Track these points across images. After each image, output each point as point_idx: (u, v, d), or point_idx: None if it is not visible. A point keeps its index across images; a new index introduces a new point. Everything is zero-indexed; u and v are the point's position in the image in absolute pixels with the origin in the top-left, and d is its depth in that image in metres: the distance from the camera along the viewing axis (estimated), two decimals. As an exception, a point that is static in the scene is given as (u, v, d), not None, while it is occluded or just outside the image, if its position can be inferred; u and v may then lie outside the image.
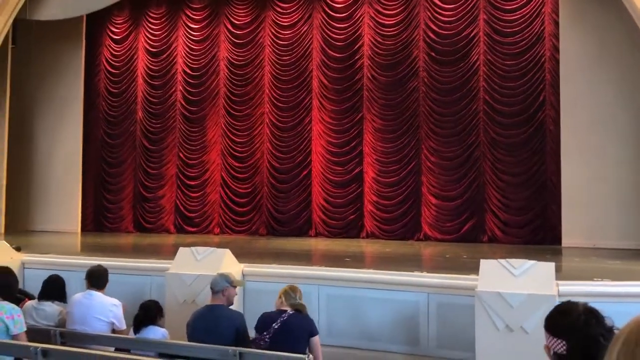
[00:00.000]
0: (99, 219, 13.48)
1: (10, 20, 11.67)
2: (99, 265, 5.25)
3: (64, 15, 11.97)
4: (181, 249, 6.63)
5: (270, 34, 12.32)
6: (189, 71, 12.95)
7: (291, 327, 4.48)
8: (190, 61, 12.95)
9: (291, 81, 12.10)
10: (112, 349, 4.52)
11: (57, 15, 11.90)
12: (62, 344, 4.41)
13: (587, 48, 9.82)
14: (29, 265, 7.61)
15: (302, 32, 12.09)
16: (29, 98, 13.53)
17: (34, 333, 4.28)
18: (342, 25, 11.78)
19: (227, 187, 12.50)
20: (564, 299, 5.04)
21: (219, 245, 9.30)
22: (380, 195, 11.34)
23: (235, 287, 4.94)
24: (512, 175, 10.53)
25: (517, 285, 5.11)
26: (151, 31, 13.32)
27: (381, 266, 7.38)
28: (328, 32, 11.87)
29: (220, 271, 6.08)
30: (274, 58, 12.25)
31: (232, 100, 12.57)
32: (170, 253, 7.36)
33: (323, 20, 11.93)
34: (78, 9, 11.96)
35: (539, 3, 10.47)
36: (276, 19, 12.30)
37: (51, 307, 5.01)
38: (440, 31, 11.04)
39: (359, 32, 11.65)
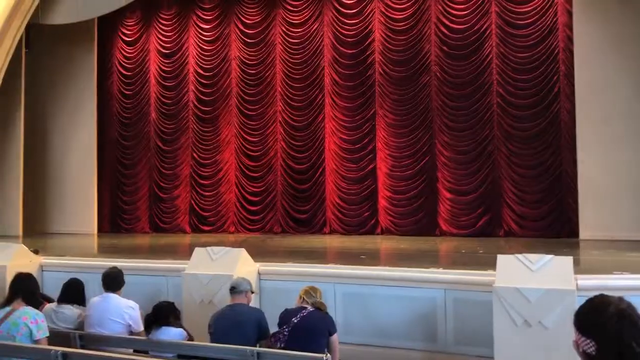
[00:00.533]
0: (115, 220, 13.60)
1: (24, 25, 11.80)
2: (114, 267, 5.29)
3: (76, 19, 12.07)
4: (197, 249, 6.66)
5: (281, 32, 12.31)
6: (201, 71, 13.00)
7: (310, 323, 4.54)
8: (202, 61, 13.00)
9: (303, 79, 12.09)
10: (131, 350, 4.56)
11: (69, 19, 12.01)
12: (82, 347, 4.45)
13: (601, 38, 9.68)
14: (47, 268, 7.69)
15: (313, 29, 12.07)
16: (43, 102, 13.67)
17: (53, 336, 4.32)
18: (353, 22, 11.73)
19: (241, 186, 12.54)
20: (583, 294, 4.99)
21: (234, 244, 9.36)
22: (394, 191, 11.31)
23: (253, 293, 5.05)
24: (527, 168, 10.44)
25: (535, 281, 5.06)
26: (162, 32, 13.38)
27: (397, 263, 7.36)
28: (339, 28, 11.84)
29: (236, 270, 6.14)
30: (285, 56, 12.25)
31: (245, 100, 12.60)
32: (186, 253, 7.40)
33: (333, 17, 11.90)
34: (89, 12, 12.05)
35: (551, -6, 10.35)
36: (286, 17, 12.29)
37: (70, 310, 5.06)
38: (452, 25, 10.96)
39: (370, 27, 11.60)
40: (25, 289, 4.30)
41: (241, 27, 12.70)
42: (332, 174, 11.81)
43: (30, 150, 13.06)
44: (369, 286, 6.24)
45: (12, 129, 12.75)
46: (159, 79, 13.39)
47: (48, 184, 13.67)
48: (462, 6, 10.90)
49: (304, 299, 4.80)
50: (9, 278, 4.60)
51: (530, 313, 4.91)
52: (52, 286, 6.78)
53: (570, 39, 10.10)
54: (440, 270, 6.26)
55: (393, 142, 11.34)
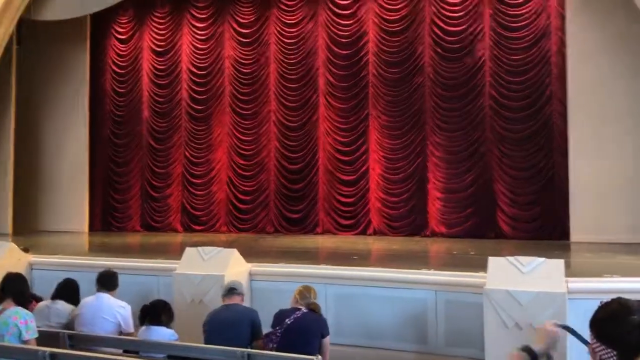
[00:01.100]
0: (106, 218, 13.53)
1: (15, 21, 11.70)
2: (109, 269, 5.34)
3: (69, 16, 11.99)
4: (188, 249, 6.64)
5: (275, 32, 12.29)
6: (194, 70, 12.95)
7: (303, 324, 4.54)
8: (196, 60, 12.95)
9: (297, 79, 12.07)
10: (121, 351, 4.54)
11: (62, 15, 11.92)
12: (71, 347, 4.42)
13: (594, 41, 9.73)
14: (37, 266, 7.65)
15: (307, 29, 12.06)
16: (35, 98, 13.58)
17: (42, 336, 4.30)
18: (347, 22, 11.73)
19: (233, 186, 12.51)
20: (574, 297, 5.00)
21: (226, 243, 9.34)
22: (387, 192, 11.32)
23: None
24: (519, 170, 10.47)
25: (526, 283, 5.07)
26: (156, 30, 13.32)
27: (388, 264, 7.37)
28: (333, 29, 11.83)
29: (228, 271, 6.13)
30: (279, 56, 12.23)
31: (238, 99, 12.57)
32: (177, 252, 7.37)
33: (328, 18, 11.89)
34: (82, 9, 11.98)
35: (545, -3, 10.39)
36: (281, 16, 12.27)
37: (63, 305, 5.13)
38: (446, 27, 10.98)
39: (364, 28, 11.60)
40: (15, 289, 4.32)
41: (235, 26, 12.67)
42: (325, 175, 11.80)
43: (22, 147, 12.97)
44: (360, 287, 6.24)
45: (3, 125, 12.66)
46: (152, 77, 13.33)
47: (39, 181, 13.58)
48: (456, 7, 10.93)
49: (297, 299, 4.81)
50: (-2, 276, 4.58)
51: (521, 315, 4.93)
52: (41, 285, 6.75)
53: (563, 42, 10.14)
54: (432, 271, 6.27)
55: (386, 143, 11.35)
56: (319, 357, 3.92)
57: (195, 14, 13.00)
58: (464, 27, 10.84)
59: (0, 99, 12.54)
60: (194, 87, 12.94)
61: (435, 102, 11.01)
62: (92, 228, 13.32)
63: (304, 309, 4.68)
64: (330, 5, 11.87)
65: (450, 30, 10.95)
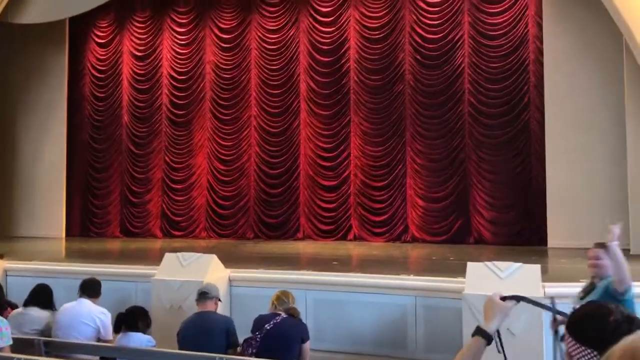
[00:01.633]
0: (85, 224, 13.36)
1: (-8, 24, 11.54)
2: (93, 277, 5.29)
3: (46, 19, 11.86)
4: (167, 254, 6.59)
5: (257, 37, 12.29)
6: (175, 75, 12.88)
7: (283, 329, 4.52)
8: (176, 65, 12.89)
9: (279, 85, 12.07)
10: (97, 358, 4.48)
11: (39, 18, 11.78)
12: (46, 353, 4.35)
13: (570, 50, 9.91)
14: (12, 272, 7.52)
15: (289, 36, 12.08)
16: (11, 102, 13.38)
17: (17, 343, 4.22)
18: (329, 29, 11.78)
19: (213, 191, 12.45)
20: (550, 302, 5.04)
21: (206, 249, 9.28)
22: (368, 198, 11.36)
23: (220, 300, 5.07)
24: (497, 176, 10.60)
25: (504, 288, 5.11)
26: (136, 35, 13.23)
27: (369, 269, 7.38)
28: (315, 36, 11.87)
29: (207, 277, 6.09)
30: (260, 62, 12.23)
31: (219, 104, 12.52)
32: (156, 258, 7.31)
33: (309, 24, 11.93)
34: (60, 12, 11.84)
35: (522, 6, 10.56)
36: (262, 22, 12.27)
37: (37, 312, 5.02)
38: (426, 34, 11.09)
39: (345, 35, 11.66)
40: None
41: (216, 31, 12.64)
42: (306, 180, 11.81)
43: (-3, 151, 12.77)
44: (340, 293, 6.25)
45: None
46: (132, 82, 13.23)
47: (16, 186, 13.37)
48: (436, 15, 11.05)
49: (275, 305, 4.78)
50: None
51: (499, 320, 4.97)
52: (16, 291, 6.62)
53: (540, 50, 10.31)
54: (411, 277, 6.31)
55: (368, 150, 11.41)
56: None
57: (176, 18, 12.94)
58: (443, 34, 10.96)
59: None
60: (174, 92, 12.87)
61: (415, 109, 11.10)
62: (70, 234, 13.13)
63: (283, 314, 4.66)
64: (312, 12, 11.91)
65: (429, 37, 11.06)
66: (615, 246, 3.78)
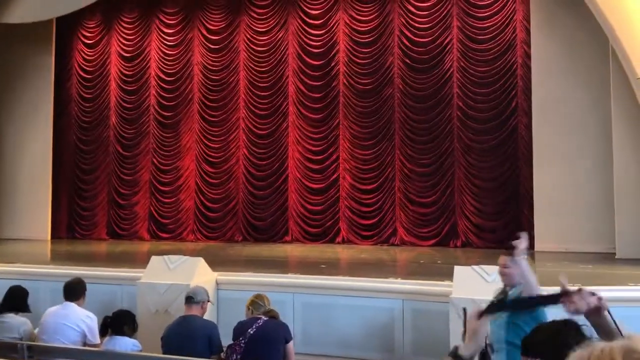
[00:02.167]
0: (72, 226, 13.23)
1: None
2: (76, 278, 5.19)
3: (33, 19, 11.74)
4: (153, 257, 6.54)
5: (245, 39, 12.26)
6: (163, 76, 12.81)
7: (266, 332, 4.50)
8: (164, 66, 12.81)
9: (268, 87, 12.04)
10: (81, 362, 4.42)
11: (26, 18, 11.67)
12: (30, 358, 4.28)
13: (557, 55, 9.99)
14: (-4, 275, 7.40)
15: (278, 38, 12.06)
16: (-3, 102, 13.23)
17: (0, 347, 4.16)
18: (318, 32, 11.77)
19: (201, 194, 12.38)
20: (537, 306, 5.05)
21: (193, 252, 9.22)
22: (356, 201, 11.36)
23: (209, 302, 4.99)
24: (485, 181, 10.64)
25: (491, 292, 5.13)
26: (124, 36, 13.14)
27: (356, 272, 7.38)
28: (304, 38, 11.86)
29: (194, 280, 6.04)
30: (249, 64, 12.19)
31: (207, 106, 12.47)
32: (143, 261, 7.24)
33: (299, 27, 11.92)
34: (47, 12, 11.74)
35: (510, 11, 10.62)
36: (251, 24, 12.24)
37: (14, 319, 4.89)
38: (415, 38, 11.12)
39: (335, 38, 11.66)
40: None
41: (205, 32, 12.59)
42: (294, 183, 11.78)
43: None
44: (328, 296, 6.23)
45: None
46: (120, 83, 13.13)
47: (0, 187, 13.20)
48: (425, 19, 11.08)
49: (251, 310, 4.74)
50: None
51: (486, 324, 4.99)
52: (-1, 295, 6.52)
53: (527, 55, 10.38)
54: (399, 280, 6.31)
55: (357, 153, 11.40)
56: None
57: (165, 19, 12.88)
58: (432, 38, 10.99)
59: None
60: (162, 93, 12.79)
61: (404, 113, 11.12)
62: (56, 236, 12.99)
63: (264, 318, 4.62)
64: (301, 15, 11.90)
65: (419, 41, 11.09)
66: (521, 260, 3.74)
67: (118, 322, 4.66)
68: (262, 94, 12.06)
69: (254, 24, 12.22)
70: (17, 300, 5.02)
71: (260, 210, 11.94)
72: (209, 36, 12.53)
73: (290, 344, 4.62)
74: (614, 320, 2.01)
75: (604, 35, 8.75)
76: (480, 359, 2.01)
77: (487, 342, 2.00)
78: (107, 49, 13.25)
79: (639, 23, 8.43)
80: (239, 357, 4.37)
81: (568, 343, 1.64)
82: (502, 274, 4.03)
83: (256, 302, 4.73)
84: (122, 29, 13.15)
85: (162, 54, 12.84)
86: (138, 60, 13.00)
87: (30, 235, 12.65)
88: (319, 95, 11.67)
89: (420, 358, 5.81)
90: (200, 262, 6.39)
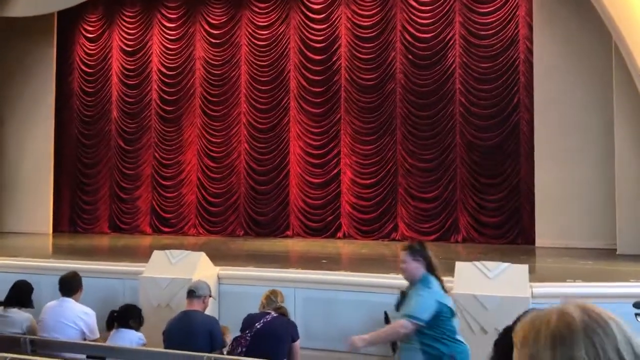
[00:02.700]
0: (74, 219, 13.26)
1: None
2: (71, 272, 5.17)
3: (35, 12, 11.72)
4: (155, 252, 6.56)
5: (247, 33, 12.24)
6: (164, 70, 12.80)
7: (273, 328, 4.50)
8: (166, 60, 12.80)
9: (269, 82, 12.03)
10: (84, 356, 4.44)
11: (27, 12, 11.65)
12: (33, 352, 4.30)
13: (560, 51, 9.96)
14: (-2, 269, 7.43)
15: (279, 32, 12.04)
16: (-1, 96, 13.23)
17: (2, 341, 4.18)
18: (320, 27, 11.75)
19: (202, 188, 12.40)
20: (538, 301, 5.12)
21: (195, 246, 9.24)
22: (358, 197, 11.36)
23: (211, 297, 5.00)
24: (487, 177, 10.64)
25: (492, 288, 5.16)
26: (126, 30, 13.13)
27: (358, 268, 7.40)
28: (306, 32, 11.83)
29: (195, 274, 6.06)
30: (251, 58, 12.18)
31: (209, 100, 12.46)
32: (145, 255, 7.26)
33: (300, 21, 11.89)
34: (49, 6, 11.73)
35: (513, 6, 10.59)
36: (253, 18, 12.22)
37: (18, 314, 4.89)
38: (417, 33, 11.09)
39: (337, 33, 11.64)
40: None
41: (206, 27, 12.57)
42: (296, 178, 11.79)
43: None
44: (329, 291, 6.25)
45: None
46: (122, 77, 13.12)
47: (1, 181, 13.22)
48: (427, 15, 11.05)
49: (264, 304, 4.76)
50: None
51: (487, 320, 5.01)
52: (0, 288, 6.55)
53: (530, 51, 10.35)
54: (400, 275, 6.30)
55: (358, 148, 11.40)
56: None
57: (166, 13, 12.86)
58: (434, 33, 10.97)
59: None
60: (164, 87, 12.78)
61: (406, 108, 11.11)
62: (58, 229, 13.02)
63: (273, 313, 4.64)
64: (303, 9, 11.87)
65: (421, 37, 11.07)
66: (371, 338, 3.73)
67: (124, 316, 4.69)
68: (264, 88, 12.05)
69: (256, 18, 12.20)
70: (22, 295, 5.01)
71: (262, 205, 11.96)
72: (211, 30, 12.51)
73: (297, 344, 4.63)
74: None
75: (607, 31, 8.72)
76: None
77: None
78: (109, 43, 13.23)
79: (642, 19, 8.40)
80: (244, 349, 4.38)
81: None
82: (401, 270, 4.03)
83: (269, 297, 4.77)
84: (124, 23, 13.14)
85: (163, 48, 12.83)
86: (140, 54, 12.99)
87: (32, 229, 12.68)
88: (320, 89, 11.66)
89: (420, 353, 5.81)
90: (202, 256, 6.41)
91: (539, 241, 9.88)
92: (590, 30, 9.56)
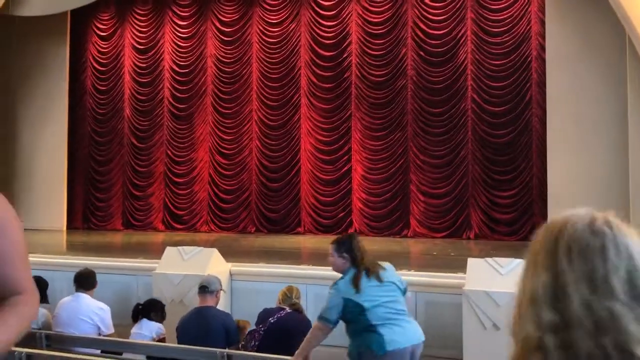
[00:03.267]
0: (87, 216, 13.40)
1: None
2: (86, 268, 5.26)
3: (48, 12, 11.83)
4: (168, 248, 6.61)
5: (258, 31, 12.27)
6: (176, 68, 12.87)
7: (287, 324, 4.53)
8: (178, 58, 12.87)
9: (280, 79, 12.06)
10: (99, 351, 4.50)
11: (41, 11, 11.76)
12: (48, 347, 4.37)
13: (572, 47, 9.88)
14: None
15: (290, 29, 12.05)
16: (12, 94, 13.37)
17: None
18: (330, 23, 11.75)
19: (215, 185, 12.47)
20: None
21: (207, 243, 9.31)
22: (369, 193, 11.37)
23: (223, 291, 5.07)
24: (499, 173, 10.60)
25: (504, 284, 5.15)
26: (138, 28, 13.21)
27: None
28: (316, 29, 11.84)
29: (208, 271, 6.10)
30: (262, 55, 12.21)
31: (220, 98, 12.52)
32: (158, 252, 7.33)
33: (311, 18, 11.90)
34: (62, 5, 11.83)
35: (525, 2, 10.51)
36: (264, 16, 12.25)
37: None
38: (429, 30, 11.05)
39: (347, 29, 11.63)
40: None
41: (218, 24, 12.62)
42: (307, 174, 11.81)
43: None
44: (340, 288, 6.25)
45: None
46: (134, 75, 13.22)
47: (16, 178, 13.38)
48: (439, 11, 11.01)
49: (280, 301, 4.80)
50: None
51: (499, 316, 5.00)
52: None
53: (542, 48, 10.27)
54: (412, 272, 6.32)
55: (369, 144, 11.40)
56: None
57: (178, 11, 12.92)
58: (446, 30, 10.92)
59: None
60: (176, 85, 12.86)
61: (418, 104, 11.08)
62: (72, 226, 13.16)
63: (287, 309, 4.67)
64: (314, 6, 11.88)
65: (432, 33, 11.02)
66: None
67: (147, 310, 4.93)
68: (274, 85, 12.08)
69: (267, 15, 12.23)
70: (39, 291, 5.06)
71: (273, 202, 12.00)
72: (222, 28, 12.56)
73: None
74: None
75: (620, 26, 8.64)
76: None
77: None
78: (121, 41, 13.33)
79: (657, 14, 8.31)
80: (257, 343, 4.41)
81: None
82: (329, 263, 3.99)
83: (285, 293, 4.80)
84: (136, 22, 13.22)
85: (175, 46, 12.90)
86: (152, 52, 13.07)
87: (46, 226, 12.81)
88: (330, 86, 11.67)
89: (432, 350, 5.80)
90: (214, 252, 6.45)
91: (552, 238, 9.81)
92: (602, 24, 9.47)
